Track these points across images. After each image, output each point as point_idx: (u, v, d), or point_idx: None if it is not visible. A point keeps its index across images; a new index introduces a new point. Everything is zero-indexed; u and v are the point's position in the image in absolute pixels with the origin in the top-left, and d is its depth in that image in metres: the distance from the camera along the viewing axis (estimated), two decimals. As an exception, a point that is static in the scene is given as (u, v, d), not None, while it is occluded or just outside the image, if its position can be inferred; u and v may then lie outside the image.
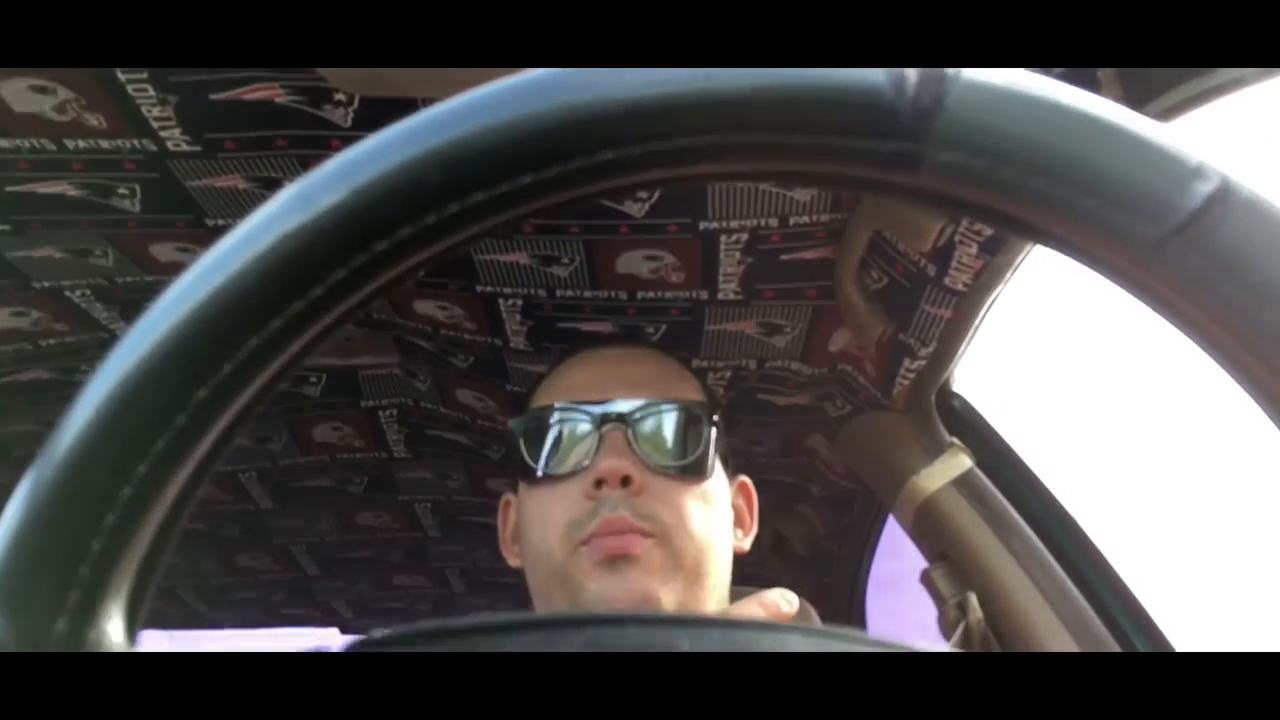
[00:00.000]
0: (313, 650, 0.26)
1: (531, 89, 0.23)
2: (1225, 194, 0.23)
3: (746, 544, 0.94)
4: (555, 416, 0.87)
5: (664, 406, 0.87)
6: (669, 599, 0.81)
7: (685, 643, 0.27)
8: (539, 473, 0.86)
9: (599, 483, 0.82)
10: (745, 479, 0.97)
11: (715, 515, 0.87)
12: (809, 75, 0.23)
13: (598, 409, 0.86)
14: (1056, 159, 0.23)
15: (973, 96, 0.23)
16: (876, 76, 0.23)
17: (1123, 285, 0.25)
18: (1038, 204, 0.23)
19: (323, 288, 0.23)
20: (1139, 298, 0.25)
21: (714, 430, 0.89)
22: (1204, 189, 0.23)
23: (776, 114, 0.23)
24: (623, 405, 0.86)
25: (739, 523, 0.94)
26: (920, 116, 0.23)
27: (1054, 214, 0.23)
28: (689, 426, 0.87)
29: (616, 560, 0.80)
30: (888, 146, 0.23)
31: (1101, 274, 0.25)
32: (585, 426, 0.86)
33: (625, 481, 0.82)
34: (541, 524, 0.85)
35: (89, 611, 0.23)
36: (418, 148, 0.23)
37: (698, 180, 0.25)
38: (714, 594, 0.86)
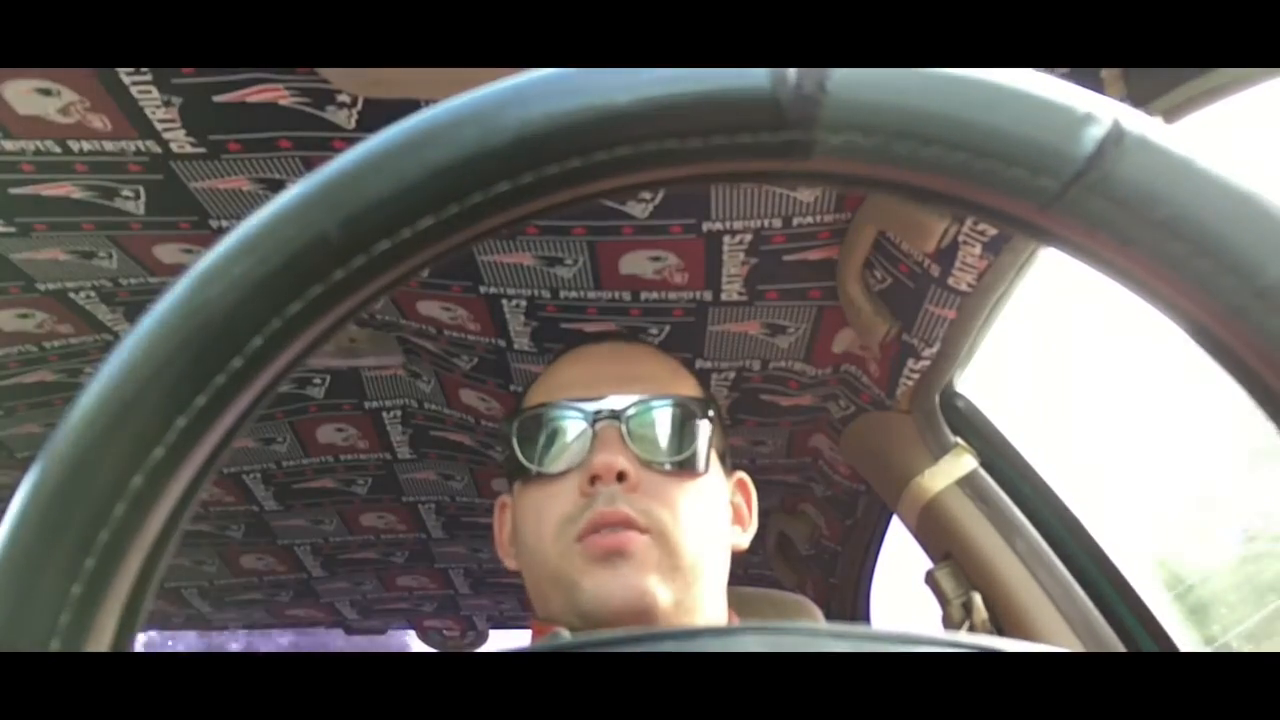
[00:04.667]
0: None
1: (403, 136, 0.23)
2: (1118, 136, 0.23)
3: (745, 541, 0.93)
4: (549, 414, 0.87)
5: (658, 403, 0.86)
6: (665, 596, 0.80)
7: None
8: (534, 471, 0.85)
9: (593, 479, 0.82)
10: (743, 476, 0.96)
11: (712, 512, 0.87)
12: (688, 79, 0.23)
13: (591, 406, 0.85)
14: (946, 126, 0.23)
15: (854, 79, 0.23)
16: (757, 73, 0.23)
17: (1035, 239, 0.25)
18: (936, 172, 0.23)
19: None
20: (1055, 248, 0.25)
21: (709, 426, 0.88)
22: (1095, 134, 0.23)
23: (663, 122, 0.23)
24: (616, 402, 0.85)
25: (737, 520, 0.93)
26: (804, 104, 0.23)
27: (954, 180, 0.23)
28: (683, 422, 0.86)
29: (612, 556, 0.79)
30: (778, 137, 0.23)
31: (1014, 231, 0.25)
32: (579, 424, 0.85)
33: (620, 477, 0.81)
34: (536, 523, 0.84)
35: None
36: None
37: (602, 196, 0.25)
38: (711, 591, 0.85)
